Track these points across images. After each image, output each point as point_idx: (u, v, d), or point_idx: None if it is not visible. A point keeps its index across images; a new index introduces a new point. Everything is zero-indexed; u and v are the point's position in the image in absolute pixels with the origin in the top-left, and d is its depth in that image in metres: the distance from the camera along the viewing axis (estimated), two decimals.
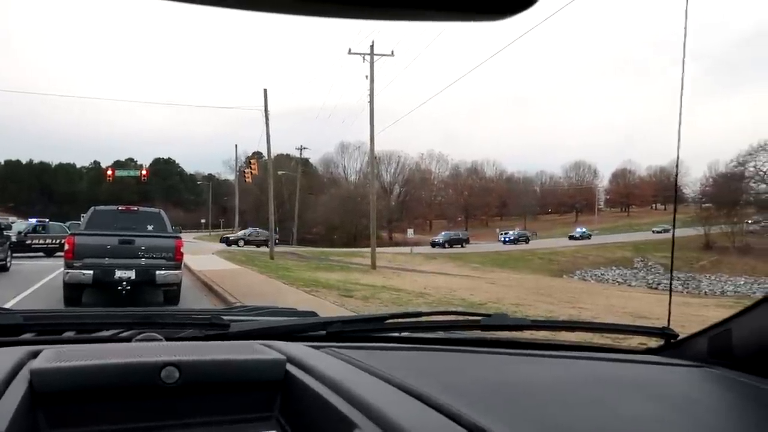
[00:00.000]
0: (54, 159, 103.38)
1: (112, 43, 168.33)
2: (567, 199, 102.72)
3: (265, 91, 28.94)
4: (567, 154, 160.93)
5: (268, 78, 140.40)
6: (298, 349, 1.13)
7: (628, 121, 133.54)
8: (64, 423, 0.86)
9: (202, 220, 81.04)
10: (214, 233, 76.34)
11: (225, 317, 1.41)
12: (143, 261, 9.99)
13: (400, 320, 1.61)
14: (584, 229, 74.29)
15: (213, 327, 1.32)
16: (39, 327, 1.30)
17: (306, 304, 10.38)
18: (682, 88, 1.36)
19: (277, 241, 48.20)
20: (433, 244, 57.09)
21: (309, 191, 75.20)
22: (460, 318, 1.60)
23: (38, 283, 13.36)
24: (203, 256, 23.40)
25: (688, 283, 43.70)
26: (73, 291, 9.87)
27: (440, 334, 1.59)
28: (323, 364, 1.02)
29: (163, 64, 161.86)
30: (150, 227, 11.23)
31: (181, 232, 11.96)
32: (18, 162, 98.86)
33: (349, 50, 27.39)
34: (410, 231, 67.55)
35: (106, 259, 9.77)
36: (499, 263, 44.06)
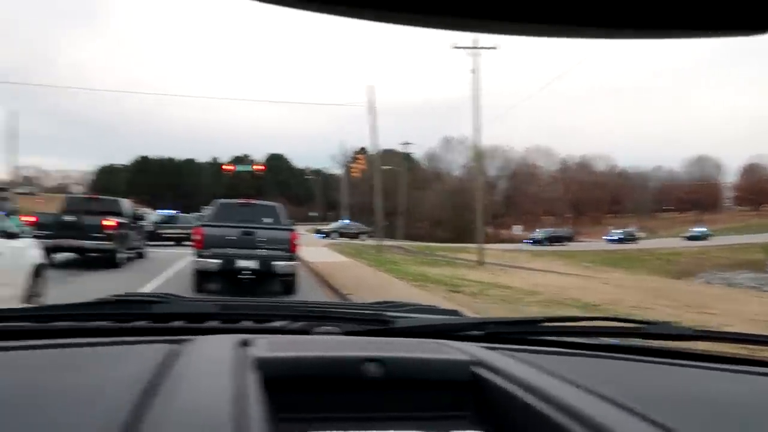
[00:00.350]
0: (179, 155, 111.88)
1: (229, 47, 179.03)
2: (687, 196, 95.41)
3: (371, 87, 29.48)
4: (687, 148, 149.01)
5: (374, 74, 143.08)
6: (476, 349, 1.13)
7: (758, 111, 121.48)
8: (286, 410, 0.90)
9: (311, 214, 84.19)
10: (322, 226, 79.11)
11: (385, 313, 1.45)
12: (263, 252, 10.53)
13: (555, 324, 1.58)
14: (704, 229, 68.52)
15: (379, 323, 1.36)
16: (223, 316, 1.38)
17: (416, 298, 10.45)
18: None
19: (371, 234, 49.55)
20: (533, 242, 55.24)
21: (413, 186, 75.67)
22: (620, 324, 1.54)
23: (170, 269, 14.50)
24: (313, 248, 24.28)
25: None
26: (201, 278, 10.61)
27: (599, 340, 1.53)
28: (509, 366, 1.01)
29: (275, 64, 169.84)
30: (267, 220, 11.82)
31: (294, 225, 12.45)
32: (149, 158, 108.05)
33: (454, 45, 27.18)
34: (517, 227, 65.92)
35: (230, 249, 10.41)
36: (612, 263, 41.85)
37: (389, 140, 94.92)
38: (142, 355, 0.95)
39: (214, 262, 10.20)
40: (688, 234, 66.68)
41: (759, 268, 48.00)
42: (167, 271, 14.13)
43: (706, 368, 1.24)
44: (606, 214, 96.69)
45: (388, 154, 75.38)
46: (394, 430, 0.90)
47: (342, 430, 0.89)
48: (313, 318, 1.35)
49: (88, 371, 0.91)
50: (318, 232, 50.95)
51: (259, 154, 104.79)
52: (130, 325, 1.29)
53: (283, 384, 0.91)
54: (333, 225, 52.51)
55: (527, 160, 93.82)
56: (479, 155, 32.01)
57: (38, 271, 7.61)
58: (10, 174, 47.95)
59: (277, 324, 1.36)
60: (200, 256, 10.33)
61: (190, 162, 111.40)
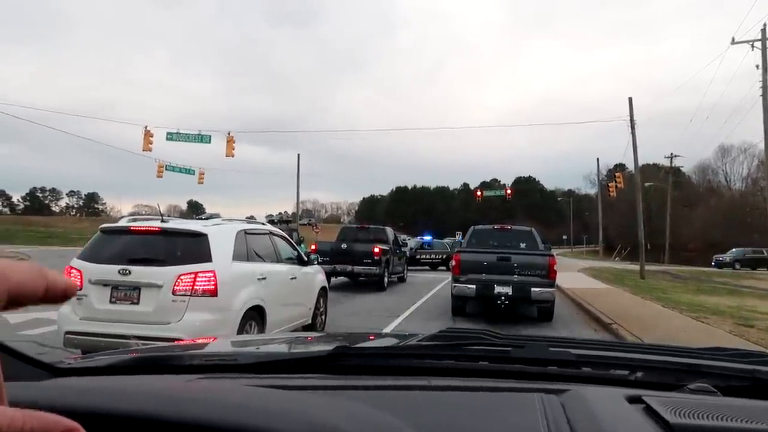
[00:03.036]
0: (433, 183, 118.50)
1: (472, 74, 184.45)
2: None
3: (630, 99, 27.31)
4: None
5: (631, 84, 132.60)
6: None
7: None
8: None
9: (564, 237, 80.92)
10: (576, 249, 75.34)
11: (720, 364, 1.22)
12: (518, 278, 10.42)
13: None
14: None
15: (754, 380, 1.14)
16: (557, 363, 1.24)
17: (694, 333, 9.20)
18: None
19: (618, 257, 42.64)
20: (719, 265, 43.19)
21: (682, 203, 67.49)
22: None
23: (428, 293, 15.28)
24: (568, 273, 23.21)
25: None
26: (459, 302, 10.94)
27: None
28: None
29: (520, 85, 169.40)
30: (523, 245, 11.67)
31: (551, 249, 12.06)
32: (405, 187, 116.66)
33: (733, 39, 23.74)
34: None
35: (485, 274, 10.53)
36: None
37: (651, 153, 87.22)
38: (530, 403, 0.92)
39: (471, 288, 10.41)
40: None
41: None
42: (426, 295, 14.91)
43: None
44: None
45: (650, 169, 68.81)
46: None
47: None
48: (680, 372, 1.18)
49: (487, 416, 0.89)
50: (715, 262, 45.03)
51: (508, 177, 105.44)
52: (508, 367, 1.22)
53: None
54: (733, 252, 45.32)
55: None
56: None
57: (323, 293, 8.74)
58: (294, 207, 56.16)
59: (601, 371, 1.23)
60: (457, 282, 10.64)
61: (442, 189, 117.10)
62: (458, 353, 1.31)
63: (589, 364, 1.27)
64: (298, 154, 46.48)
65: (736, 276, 33.57)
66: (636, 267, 28.85)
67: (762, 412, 0.90)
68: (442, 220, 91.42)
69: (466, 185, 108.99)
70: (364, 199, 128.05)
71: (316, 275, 8.58)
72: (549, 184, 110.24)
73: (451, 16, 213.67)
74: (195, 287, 5.48)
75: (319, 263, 11.05)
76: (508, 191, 50.69)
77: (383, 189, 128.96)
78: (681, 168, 76.72)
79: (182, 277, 5.47)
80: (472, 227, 12.55)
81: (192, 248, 5.80)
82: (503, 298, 10.25)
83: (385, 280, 15.89)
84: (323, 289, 8.72)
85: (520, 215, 76.84)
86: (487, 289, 10.31)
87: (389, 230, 18.62)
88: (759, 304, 16.07)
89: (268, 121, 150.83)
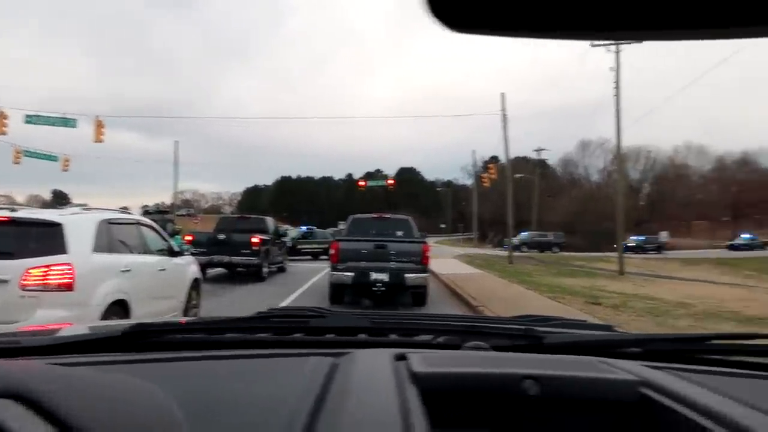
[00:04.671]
0: (317, 173, 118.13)
1: (359, 65, 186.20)
2: None
3: (503, 95, 29.07)
4: None
5: (505, 81, 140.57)
6: (643, 370, 1.06)
7: None
8: (443, 424, 0.91)
9: (442, 225, 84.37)
10: (453, 237, 78.84)
11: (534, 328, 1.40)
12: (394, 264, 10.76)
13: (728, 342, 1.46)
14: None
15: (528, 338, 1.32)
16: (372, 330, 1.40)
17: (551, 311, 10.07)
18: None
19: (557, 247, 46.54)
20: (625, 249, 49.95)
21: (547, 194, 72.99)
22: None
23: (308, 282, 15.33)
24: (444, 260, 24.33)
25: None
26: (336, 290, 11.10)
27: None
28: (681, 388, 0.94)
29: (406, 77, 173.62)
30: (400, 233, 12.06)
31: (426, 238, 12.58)
32: (289, 177, 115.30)
33: (592, 42, 25.91)
34: (663, 234, 60.80)
35: (363, 262, 10.77)
36: None
37: (522, 147, 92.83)
38: (305, 367, 1.00)
39: (349, 275, 10.60)
40: None
41: None
42: (306, 284, 14.94)
43: None
44: None
45: (521, 162, 73.45)
46: None
47: None
48: (460, 333, 1.35)
49: (260, 381, 0.97)
50: (500, 244, 49.36)
51: (391, 168, 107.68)
52: (290, 337, 1.36)
53: (439, 399, 0.92)
54: (521, 236, 50.47)
55: (675, 160, 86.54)
56: (621, 158, 30.15)
57: (196, 285, 8.48)
58: (172, 198, 53.50)
59: (425, 338, 1.38)
60: (335, 270, 10.79)
61: (327, 179, 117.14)
62: (268, 325, 1.41)
63: (392, 330, 1.42)
64: (176, 141, 44.27)
65: (591, 259, 36.99)
66: (506, 253, 30.86)
67: (505, 360, 1.07)
68: (327, 210, 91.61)
69: (350, 175, 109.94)
70: (247, 189, 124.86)
71: (187, 267, 8.30)
72: (430, 175, 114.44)
73: (339, 4, 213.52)
74: (48, 281, 5.10)
75: (193, 254, 10.72)
76: (391, 181, 51.85)
77: (267, 179, 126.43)
78: (547, 161, 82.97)
79: (31, 271, 5.06)
80: (351, 216, 12.75)
81: (45, 239, 5.38)
82: (379, 284, 10.55)
83: (265, 270, 15.69)
84: (196, 281, 8.46)
85: (402, 205, 78.87)
86: (363, 277, 10.55)
87: (269, 220, 18.38)
88: (608, 284, 17.89)
89: (147, 107, 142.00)
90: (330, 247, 12.02)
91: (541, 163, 73.05)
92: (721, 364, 1.27)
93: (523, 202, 68.83)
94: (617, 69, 25.22)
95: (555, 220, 68.22)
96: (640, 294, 14.94)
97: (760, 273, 35.28)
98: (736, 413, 0.82)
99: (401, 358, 1.04)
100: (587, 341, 1.33)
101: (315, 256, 27.05)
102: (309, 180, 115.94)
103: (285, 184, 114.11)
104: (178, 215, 48.85)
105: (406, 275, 10.59)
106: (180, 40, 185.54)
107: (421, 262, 10.87)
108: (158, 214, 34.44)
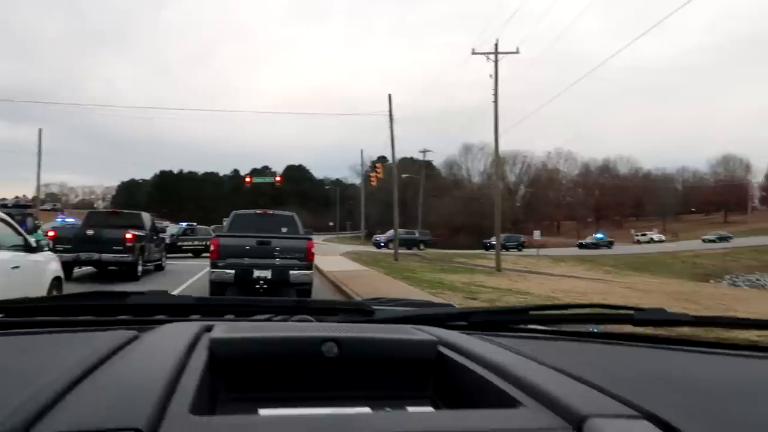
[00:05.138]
0: (202, 168, 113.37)
1: (246, 59, 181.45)
2: (714, 197, 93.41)
3: (390, 96, 29.55)
4: (713, 147, 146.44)
5: (393, 83, 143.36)
6: (447, 333, 1.13)
7: None
8: (238, 388, 0.92)
9: (330, 223, 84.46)
10: (342, 235, 79.24)
11: (369, 305, 1.44)
12: (278, 261, 10.58)
13: (544, 312, 1.56)
14: (722, 233, 68.79)
15: (359, 313, 1.35)
16: (205, 308, 1.39)
17: None
18: None
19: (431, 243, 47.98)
20: (486, 246, 54.24)
21: (432, 194, 75.52)
22: (611, 312, 1.48)
23: (188, 281, 14.64)
24: (331, 258, 24.34)
25: None
26: (217, 288, 10.69)
27: (589, 328, 1.50)
28: (476, 347, 1.01)
29: (294, 74, 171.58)
30: (284, 230, 11.86)
31: (312, 235, 12.49)
32: (170, 172, 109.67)
33: (473, 50, 27.13)
34: (537, 233, 65.14)
35: (246, 259, 10.47)
36: (636, 267, 41.24)
37: (409, 148, 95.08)
38: (101, 340, 0.95)
39: (229, 273, 10.27)
40: (704, 237, 66.80)
41: None
42: (185, 283, 14.27)
43: (694, 352, 1.21)
44: (629, 217, 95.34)
45: (407, 162, 75.37)
46: (348, 407, 0.89)
47: (295, 407, 0.88)
48: (291, 310, 1.35)
49: (34, 355, 0.92)
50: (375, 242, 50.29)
51: (279, 165, 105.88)
52: (114, 318, 1.28)
53: (237, 364, 0.92)
54: (387, 234, 51.19)
55: (548, 165, 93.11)
56: (499, 161, 31.84)
57: (57, 284, 7.77)
58: (35, 191, 48.89)
59: (260, 317, 1.36)
60: (216, 267, 10.41)
61: (212, 175, 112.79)
62: (97, 305, 1.35)
63: (228, 308, 1.44)
64: (40, 129, 40.38)
65: (472, 256, 38.82)
66: (392, 251, 31.50)
67: (309, 327, 1.11)
68: (211, 207, 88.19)
69: (236, 171, 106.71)
70: (123, 183, 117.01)
71: (47, 264, 7.59)
72: (319, 173, 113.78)
73: None
74: None
75: (57, 251, 9.83)
76: (278, 178, 51.07)
77: (146, 173, 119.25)
78: (433, 162, 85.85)
79: None
80: (234, 212, 12.35)
81: None
82: (262, 282, 10.32)
83: (139, 268, 14.76)
84: (57, 279, 7.75)
85: (290, 202, 77.89)
86: (245, 274, 10.27)
87: (145, 215, 17.33)
88: (486, 280, 18.85)
89: (6, 91, 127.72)
90: (210, 243, 11.56)
91: (427, 164, 75.50)
92: (538, 333, 1.37)
93: (410, 201, 70.86)
94: (495, 77, 26.60)
95: (440, 219, 70.84)
96: (513, 289, 15.89)
97: (617, 268, 38.97)
98: (508, 362, 0.90)
99: (209, 329, 1.04)
100: (416, 315, 1.36)
101: (196, 253, 25.96)
102: (192, 175, 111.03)
103: (165, 178, 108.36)
104: (42, 210, 44.67)
105: (291, 272, 10.45)
106: (48, 22, 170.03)
107: (306, 259, 10.78)
108: (17, 208, 31.29)
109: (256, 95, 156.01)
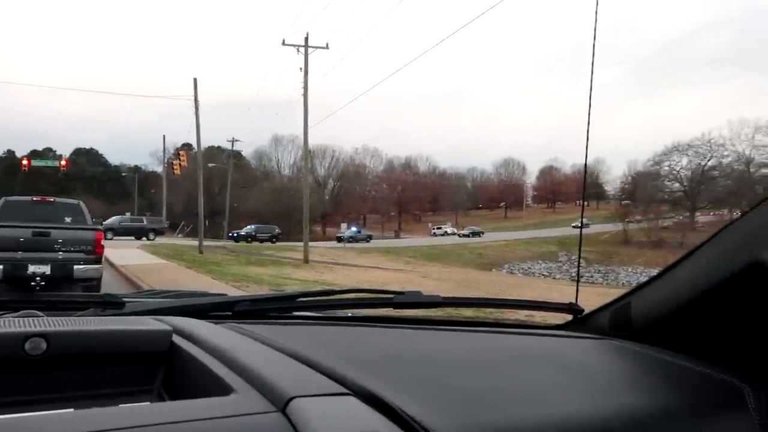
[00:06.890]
0: None
1: (28, 23, 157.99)
2: (497, 195, 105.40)
3: (195, 80, 28.13)
4: (497, 150, 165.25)
5: (199, 67, 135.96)
6: (189, 322, 1.08)
7: (555, 119, 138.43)
8: None
9: (127, 213, 77.61)
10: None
11: (125, 298, 1.32)
12: (60, 255, 9.48)
13: (310, 298, 1.59)
14: (475, 228, 75.64)
15: (106, 306, 1.25)
16: None
17: None
18: (591, 90, 1.42)
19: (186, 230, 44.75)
20: (338, 240, 57.09)
21: (241, 185, 73.57)
22: (372, 296, 1.55)
23: None
24: (127, 250, 22.43)
25: (607, 275, 46.06)
26: None
27: (351, 312, 1.58)
28: (213, 336, 0.99)
29: (85, 47, 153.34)
30: (68, 219, 10.68)
31: (102, 225, 11.40)
32: None
33: (283, 41, 26.98)
34: (344, 225, 67.31)
35: (19, 253, 9.21)
36: (431, 257, 44.77)
37: (218, 136, 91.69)
38: None
39: None
40: (460, 233, 72.49)
41: (553, 258, 54.90)
42: None
43: (437, 330, 1.34)
44: (426, 212, 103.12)
45: (214, 151, 72.34)
46: (50, 410, 0.78)
47: None
48: (22, 306, 1.20)
49: None
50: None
51: (66, 147, 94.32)
52: None
53: None
54: (109, 221, 41.70)
55: (355, 160, 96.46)
56: (308, 154, 32.12)
57: None
58: None
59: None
60: None
61: None
62: None
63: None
64: None
65: (281, 248, 38.76)
66: (197, 242, 30.07)
67: (12, 322, 1.01)
68: None
69: (11, 152, 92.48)
70: None
71: None
72: (115, 159, 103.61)
73: None
74: None
75: None
76: (63, 162, 45.57)
77: None
78: (242, 152, 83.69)
79: None
80: (4, 199, 10.77)
81: None
82: (38, 278, 9.16)
83: None
84: None
85: (80, 190, 69.93)
86: (17, 270, 9.02)
87: None
88: (293, 272, 18.99)
89: None
90: None
91: (236, 154, 73.21)
92: (306, 319, 1.42)
93: (217, 191, 68.24)
94: (305, 70, 26.81)
95: (249, 210, 69.36)
96: (320, 281, 16.23)
97: (416, 258, 41.98)
98: (233, 349, 0.90)
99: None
100: (174, 306, 1.32)
101: None
102: None
103: None
104: None
105: (75, 267, 9.44)
106: None
107: (94, 252, 9.82)
108: None
109: (35, 67, 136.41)
